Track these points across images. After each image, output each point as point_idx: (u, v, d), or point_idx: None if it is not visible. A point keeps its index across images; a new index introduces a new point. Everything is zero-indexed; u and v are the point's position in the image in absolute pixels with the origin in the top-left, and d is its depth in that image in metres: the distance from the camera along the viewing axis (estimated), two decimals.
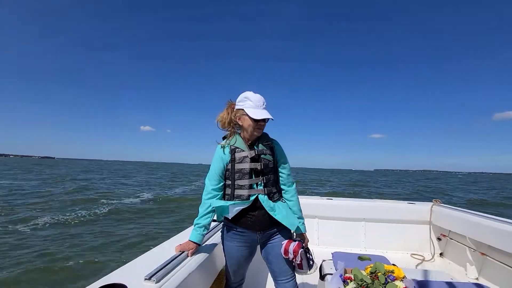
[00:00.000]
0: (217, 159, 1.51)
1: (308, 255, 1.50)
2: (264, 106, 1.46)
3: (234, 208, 1.45)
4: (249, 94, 1.47)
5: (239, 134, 1.55)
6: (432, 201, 3.28)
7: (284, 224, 1.47)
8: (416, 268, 2.77)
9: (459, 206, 3.04)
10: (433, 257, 3.05)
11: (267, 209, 1.46)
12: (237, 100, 1.51)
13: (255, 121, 1.44)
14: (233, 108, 1.53)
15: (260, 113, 1.42)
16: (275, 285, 1.55)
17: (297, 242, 1.45)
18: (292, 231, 1.59)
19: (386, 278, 1.46)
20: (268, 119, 1.46)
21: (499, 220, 2.30)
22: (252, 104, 1.44)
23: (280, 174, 1.59)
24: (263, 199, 1.47)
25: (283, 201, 1.58)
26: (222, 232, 1.61)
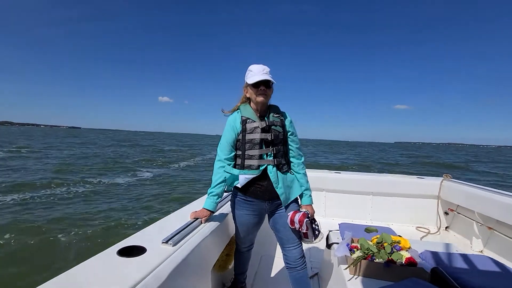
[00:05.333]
0: (228, 129, 1.54)
1: (313, 225, 1.55)
2: (264, 72, 1.48)
3: (244, 177, 1.49)
4: (251, 66, 1.52)
5: (250, 105, 1.57)
6: (442, 176, 3.27)
7: (281, 199, 1.53)
8: (421, 240, 2.84)
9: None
10: (438, 230, 3.11)
11: (272, 180, 1.50)
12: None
13: (254, 86, 1.47)
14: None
15: (257, 78, 1.45)
16: (282, 252, 1.63)
17: (302, 212, 1.50)
18: (299, 202, 1.64)
19: (392, 248, 1.51)
20: (272, 83, 1.49)
21: (510, 195, 2.28)
22: (252, 73, 1.49)
23: (289, 146, 1.62)
24: (271, 170, 1.50)
25: (292, 173, 1.62)
26: (232, 200, 1.67)
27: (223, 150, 1.54)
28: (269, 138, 1.50)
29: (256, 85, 1.46)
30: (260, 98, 1.49)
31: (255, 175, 1.49)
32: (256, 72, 1.48)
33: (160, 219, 1.56)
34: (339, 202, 3.50)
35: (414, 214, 3.28)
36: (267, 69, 1.49)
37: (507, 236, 2.30)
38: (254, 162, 1.50)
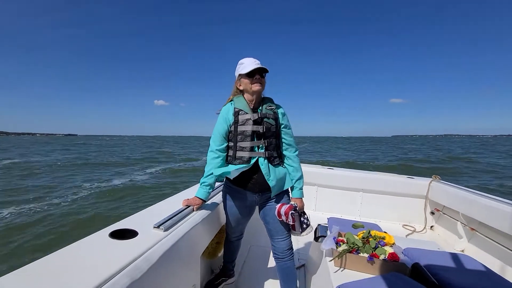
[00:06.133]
0: (221, 120, 1.55)
1: (302, 219, 1.58)
2: (256, 63, 1.50)
3: (235, 170, 1.51)
4: (242, 60, 1.54)
5: (244, 97, 1.58)
6: (431, 177, 3.34)
7: (272, 192, 1.56)
8: (406, 237, 2.93)
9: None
10: (424, 228, 3.20)
11: (263, 172, 1.52)
12: (235, 72, 1.58)
13: (249, 76, 1.48)
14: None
15: (252, 67, 1.47)
16: (271, 243, 1.67)
17: (289, 205, 1.53)
18: (290, 195, 1.67)
19: (376, 244, 1.57)
20: (265, 74, 1.51)
21: (493, 198, 2.36)
22: (244, 65, 1.50)
23: (282, 139, 1.62)
24: (263, 162, 1.52)
25: (284, 166, 1.63)
26: (223, 191, 1.70)
27: (215, 141, 1.55)
28: (261, 131, 1.51)
29: (251, 75, 1.48)
30: (256, 87, 1.49)
31: (246, 168, 1.51)
32: (249, 63, 1.49)
33: (153, 204, 1.59)
34: (330, 197, 3.57)
35: (401, 213, 3.37)
36: (257, 61, 1.51)
37: (488, 237, 2.39)
38: (245, 154, 1.51)
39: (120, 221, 1.26)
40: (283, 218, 1.51)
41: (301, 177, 1.66)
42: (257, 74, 1.48)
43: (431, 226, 3.23)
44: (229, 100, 1.61)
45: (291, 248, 1.64)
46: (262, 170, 1.52)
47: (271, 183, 1.53)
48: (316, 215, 3.40)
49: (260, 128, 1.51)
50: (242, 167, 1.50)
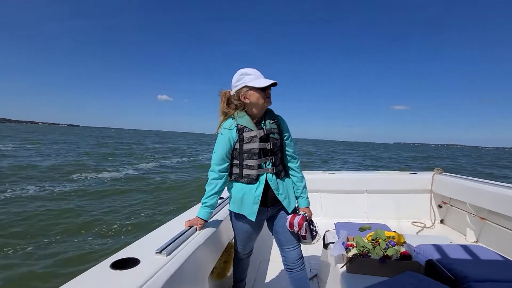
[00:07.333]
0: (224, 139, 1.47)
1: (311, 227, 1.56)
2: (262, 75, 1.45)
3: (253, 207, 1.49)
4: (244, 70, 1.45)
5: (246, 112, 1.51)
6: (434, 170, 3.32)
7: (284, 205, 1.53)
8: (417, 234, 2.87)
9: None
10: (433, 224, 3.15)
11: (272, 188, 1.49)
12: (233, 82, 1.48)
13: (263, 90, 1.42)
14: (227, 95, 1.51)
15: (264, 81, 1.41)
16: (281, 253, 1.63)
17: (301, 215, 1.50)
18: (296, 205, 1.65)
19: (386, 244, 1.53)
20: (270, 86, 1.45)
21: (500, 185, 2.34)
22: (253, 77, 1.42)
23: (286, 151, 1.60)
24: (271, 178, 1.49)
25: (289, 177, 1.62)
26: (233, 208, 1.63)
27: (217, 161, 1.49)
28: (268, 148, 1.47)
29: (264, 89, 1.42)
30: (268, 102, 1.46)
31: (260, 191, 1.47)
32: (258, 75, 1.43)
33: (153, 230, 1.55)
34: (335, 202, 3.52)
35: (409, 209, 3.32)
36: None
37: (499, 225, 2.35)
38: (253, 172, 1.47)
39: (121, 251, 1.22)
40: (295, 229, 1.48)
41: (305, 186, 1.65)
42: (268, 89, 1.44)
43: (441, 220, 3.18)
44: (229, 116, 1.51)
45: (302, 257, 1.59)
46: (271, 186, 1.49)
47: (281, 197, 1.52)
48: (322, 222, 3.33)
49: (267, 145, 1.46)
50: (254, 190, 1.48)
